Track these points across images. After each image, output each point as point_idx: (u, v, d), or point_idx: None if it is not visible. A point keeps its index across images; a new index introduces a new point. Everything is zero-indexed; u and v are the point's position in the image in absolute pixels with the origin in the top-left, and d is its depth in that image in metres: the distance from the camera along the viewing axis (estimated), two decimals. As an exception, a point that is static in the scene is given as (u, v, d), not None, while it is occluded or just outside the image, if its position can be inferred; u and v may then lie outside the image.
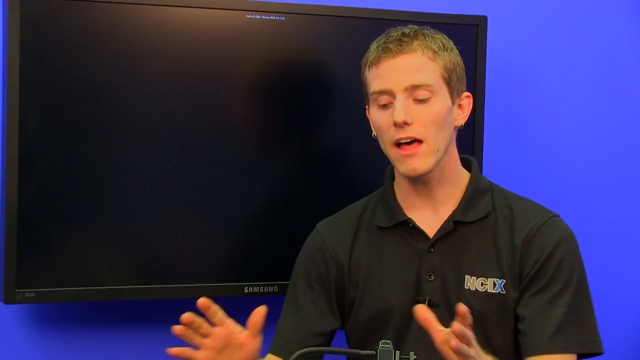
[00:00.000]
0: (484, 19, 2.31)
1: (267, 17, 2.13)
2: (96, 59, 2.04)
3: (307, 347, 1.71)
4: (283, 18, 2.15)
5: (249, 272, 2.11)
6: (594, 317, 1.74)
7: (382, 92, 1.67)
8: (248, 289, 2.13)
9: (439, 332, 1.33)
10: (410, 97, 1.65)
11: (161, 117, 2.11)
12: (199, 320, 1.45)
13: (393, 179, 1.82)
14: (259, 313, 1.47)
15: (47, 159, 2.02)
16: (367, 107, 1.78)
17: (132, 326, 2.20)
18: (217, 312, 1.46)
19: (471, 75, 2.27)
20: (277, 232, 2.01)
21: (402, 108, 1.63)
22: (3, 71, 1.97)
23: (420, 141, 1.65)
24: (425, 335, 1.65)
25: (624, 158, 2.63)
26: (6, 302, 1.97)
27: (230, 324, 1.47)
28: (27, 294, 1.98)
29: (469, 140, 2.31)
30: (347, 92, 2.16)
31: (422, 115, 1.65)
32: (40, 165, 2.00)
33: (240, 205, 2.19)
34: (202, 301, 1.44)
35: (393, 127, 1.65)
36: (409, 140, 1.64)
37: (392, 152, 1.68)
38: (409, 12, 2.22)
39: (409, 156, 1.65)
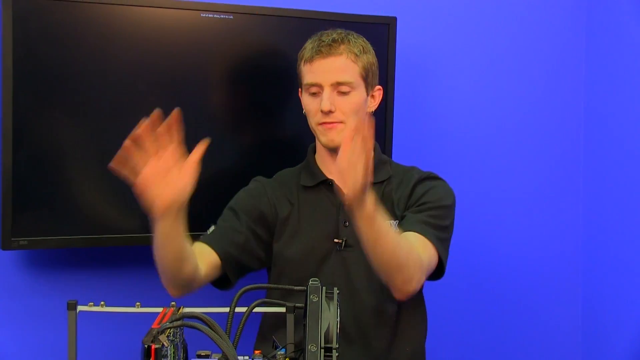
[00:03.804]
0: (394, 20, 2.34)
1: (219, 16, 2.15)
2: (77, 50, 2.05)
3: (235, 243, 1.80)
4: (231, 17, 2.16)
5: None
6: (448, 245, 1.84)
7: (313, 85, 1.80)
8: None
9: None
10: (335, 90, 1.79)
11: (130, 99, 2.11)
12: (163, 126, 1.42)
13: (314, 152, 1.94)
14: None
15: (36, 131, 2.03)
16: (300, 89, 1.89)
17: (112, 269, 2.22)
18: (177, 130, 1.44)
19: (383, 69, 2.26)
20: (230, 188, 1.98)
21: (327, 99, 1.78)
22: (-1, 58, 1.97)
23: (338, 122, 1.80)
24: (339, 269, 1.81)
25: (514, 146, 2.71)
26: (4, 248, 2.00)
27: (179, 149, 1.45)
28: (21, 242, 2.01)
29: (381, 127, 2.33)
30: (281, 79, 2.21)
31: (343, 105, 1.80)
32: (31, 137, 2.02)
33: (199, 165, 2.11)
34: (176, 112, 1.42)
35: (320, 112, 1.79)
36: (331, 122, 1.80)
37: (317, 128, 1.83)
38: (332, 12, 2.25)
39: (329, 130, 1.80)
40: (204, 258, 1.73)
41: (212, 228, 1.85)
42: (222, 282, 1.84)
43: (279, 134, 2.30)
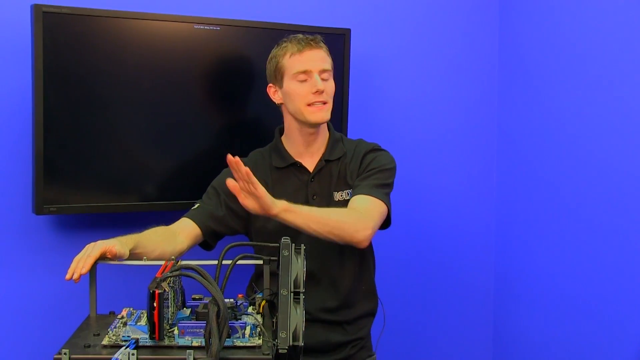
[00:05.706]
0: (348, 31, 2.48)
1: (208, 28, 2.25)
2: (94, 54, 2.14)
3: (215, 217, 1.92)
4: (219, 28, 2.27)
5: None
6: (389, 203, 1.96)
7: (304, 72, 1.90)
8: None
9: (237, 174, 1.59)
10: (320, 76, 1.91)
11: (138, 93, 2.21)
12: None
13: (281, 135, 2.03)
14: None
15: (61, 119, 2.11)
16: (270, 85, 1.97)
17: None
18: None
19: (340, 72, 2.44)
20: (216, 165, 2.04)
21: (320, 81, 1.90)
22: (32, 61, 2.06)
23: (326, 102, 1.93)
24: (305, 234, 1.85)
25: (440, 135, 2.85)
26: (37, 214, 2.11)
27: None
28: (51, 209, 2.11)
29: (339, 118, 2.47)
30: (258, 79, 2.21)
31: (327, 88, 1.93)
32: (57, 124, 2.11)
33: (192, 146, 2.31)
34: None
35: (311, 94, 1.89)
36: (321, 102, 1.91)
37: (305, 109, 1.91)
38: (297, 24, 2.37)
39: (320, 110, 1.92)
40: (187, 232, 1.90)
41: (197, 204, 1.97)
42: (204, 244, 2.00)
43: (255, 120, 2.38)
